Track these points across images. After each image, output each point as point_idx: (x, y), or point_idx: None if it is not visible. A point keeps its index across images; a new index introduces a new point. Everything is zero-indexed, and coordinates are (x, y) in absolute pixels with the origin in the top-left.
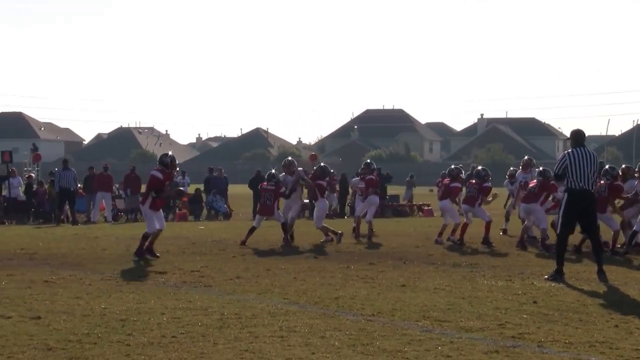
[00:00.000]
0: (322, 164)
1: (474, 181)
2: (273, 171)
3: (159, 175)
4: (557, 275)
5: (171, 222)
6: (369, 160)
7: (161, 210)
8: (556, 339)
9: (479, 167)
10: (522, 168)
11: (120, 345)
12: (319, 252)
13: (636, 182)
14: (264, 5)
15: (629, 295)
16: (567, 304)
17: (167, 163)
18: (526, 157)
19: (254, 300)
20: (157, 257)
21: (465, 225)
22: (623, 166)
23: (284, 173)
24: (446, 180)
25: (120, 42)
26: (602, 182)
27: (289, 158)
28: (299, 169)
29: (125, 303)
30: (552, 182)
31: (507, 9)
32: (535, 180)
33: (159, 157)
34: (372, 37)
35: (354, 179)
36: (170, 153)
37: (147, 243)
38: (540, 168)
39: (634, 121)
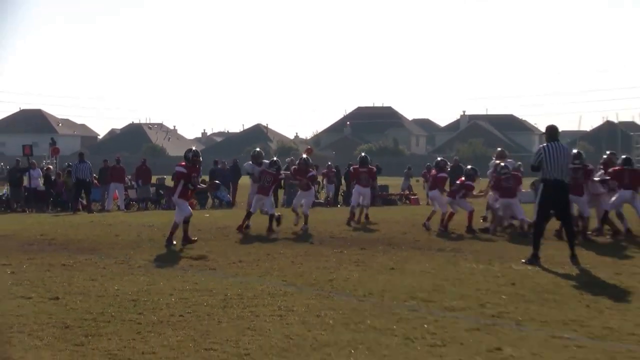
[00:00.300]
0: (304, 155)
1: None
2: (275, 158)
3: (182, 169)
4: (534, 259)
5: None
6: (363, 154)
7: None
8: (532, 317)
9: (469, 167)
10: (495, 159)
11: (132, 324)
12: (315, 238)
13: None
14: (263, 13)
15: (599, 277)
16: (542, 285)
17: (189, 157)
18: (499, 149)
19: (255, 282)
20: (195, 241)
21: (452, 214)
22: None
23: (250, 162)
24: (433, 172)
25: (133, 44)
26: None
27: (258, 149)
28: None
29: (137, 285)
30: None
31: (488, 13)
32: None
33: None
34: (364, 40)
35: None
36: (193, 148)
37: (176, 231)
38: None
39: (603, 118)
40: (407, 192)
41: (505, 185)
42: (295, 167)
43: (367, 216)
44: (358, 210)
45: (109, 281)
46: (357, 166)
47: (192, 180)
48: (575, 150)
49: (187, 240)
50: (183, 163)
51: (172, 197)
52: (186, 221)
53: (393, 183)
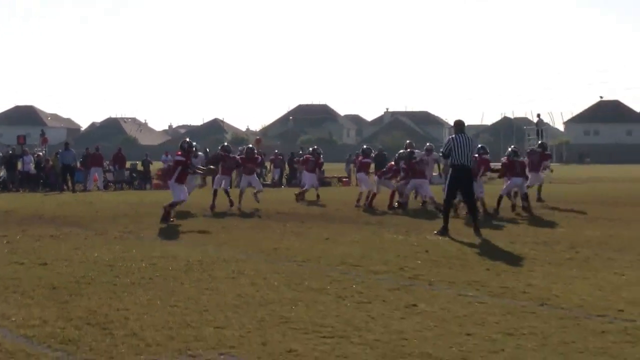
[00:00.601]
0: (250, 145)
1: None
2: (225, 144)
3: (181, 158)
4: (444, 231)
5: (149, 191)
6: (365, 146)
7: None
8: (442, 279)
9: (405, 152)
10: (406, 148)
11: (109, 285)
12: (263, 213)
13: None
14: (219, 18)
15: (498, 245)
16: (451, 252)
17: (184, 147)
18: (408, 141)
19: (212, 251)
20: (172, 221)
21: (374, 194)
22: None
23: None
24: (360, 158)
25: (110, 47)
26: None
27: (187, 139)
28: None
29: (113, 252)
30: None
31: (409, 18)
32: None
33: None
34: (305, 46)
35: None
36: (187, 139)
37: (172, 209)
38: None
39: (502, 114)
40: (347, 175)
41: (418, 168)
42: (243, 155)
43: (317, 196)
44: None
45: (89, 249)
46: (362, 157)
47: (189, 166)
48: (479, 145)
49: (166, 219)
50: (180, 152)
51: (168, 181)
52: (173, 205)
53: (329, 168)
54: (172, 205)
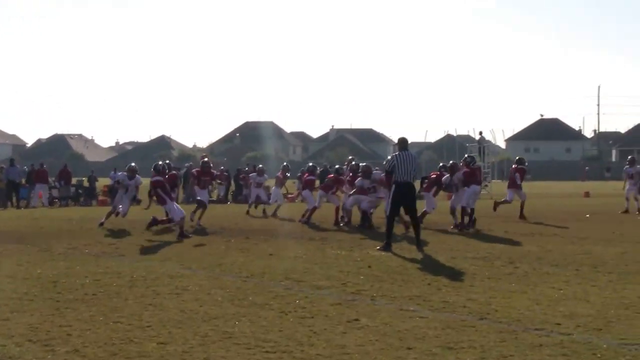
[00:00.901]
0: (206, 159)
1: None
2: (167, 161)
3: (158, 178)
4: (387, 247)
5: (95, 207)
6: (260, 166)
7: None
8: (384, 294)
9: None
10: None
11: (52, 302)
12: (209, 229)
13: (447, 175)
14: (159, 38)
15: (439, 261)
16: (393, 267)
17: (159, 169)
18: (350, 157)
19: (156, 266)
20: (189, 237)
21: (314, 208)
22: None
23: (125, 173)
24: (306, 175)
25: (55, 62)
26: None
27: (133, 164)
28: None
29: (57, 269)
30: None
31: (353, 37)
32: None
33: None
34: (249, 62)
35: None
36: (160, 162)
37: (184, 224)
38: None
39: (445, 131)
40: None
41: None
42: (199, 169)
43: (264, 211)
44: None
45: (33, 266)
46: (307, 174)
47: (163, 184)
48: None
49: (152, 224)
50: (154, 174)
51: (164, 206)
52: (169, 221)
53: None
54: (178, 224)
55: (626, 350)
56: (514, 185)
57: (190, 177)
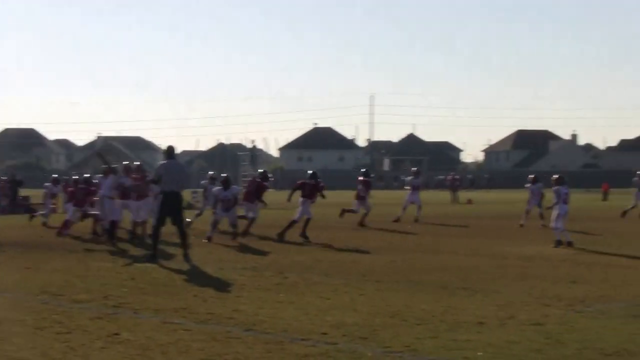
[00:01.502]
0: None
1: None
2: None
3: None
4: (152, 258)
5: None
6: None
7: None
8: (148, 306)
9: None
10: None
11: None
12: None
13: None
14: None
15: (207, 272)
16: (158, 279)
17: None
18: (125, 162)
19: None
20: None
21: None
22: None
23: None
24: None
25: None
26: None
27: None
28: None
29: None
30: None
31: (114, 51)
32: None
33: None
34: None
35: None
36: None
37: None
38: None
39: (217, 140)
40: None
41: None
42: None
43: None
44: None
45: None
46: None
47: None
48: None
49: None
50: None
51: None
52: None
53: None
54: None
55: (390, 358)
56: (359, 197)
57: None
